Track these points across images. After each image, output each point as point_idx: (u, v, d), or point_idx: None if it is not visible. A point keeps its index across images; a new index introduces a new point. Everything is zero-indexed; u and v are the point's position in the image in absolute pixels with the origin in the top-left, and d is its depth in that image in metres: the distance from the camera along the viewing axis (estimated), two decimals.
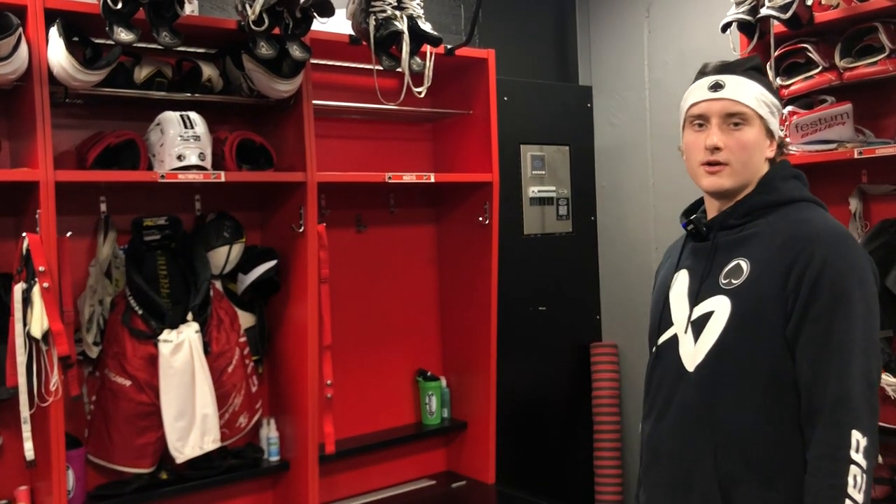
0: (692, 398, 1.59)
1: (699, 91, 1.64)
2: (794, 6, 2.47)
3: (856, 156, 2.53)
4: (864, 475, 1.43)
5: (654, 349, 1.73)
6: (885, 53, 2.46)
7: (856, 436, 1.44)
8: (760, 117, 1.60)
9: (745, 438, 1.53)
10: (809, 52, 2.63)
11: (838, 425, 1.45)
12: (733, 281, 1.57)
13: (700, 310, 1.61)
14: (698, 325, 1.60)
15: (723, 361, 1.56)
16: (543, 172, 3.75)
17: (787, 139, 1.72)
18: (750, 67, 1.64)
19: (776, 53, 2.68)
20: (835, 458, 1.44)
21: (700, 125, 1.64)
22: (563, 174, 3.83)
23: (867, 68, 2.50)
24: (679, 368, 1.62)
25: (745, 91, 1.60)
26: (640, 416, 3.51)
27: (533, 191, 3.72)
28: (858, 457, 1.43)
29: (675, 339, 1.65)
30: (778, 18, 2.51)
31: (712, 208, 1.69)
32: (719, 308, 1.57)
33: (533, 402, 3.72)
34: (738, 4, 2.66)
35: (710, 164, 1.61)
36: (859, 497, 1.43)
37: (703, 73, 1.68)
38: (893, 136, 2.71)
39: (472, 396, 3.21)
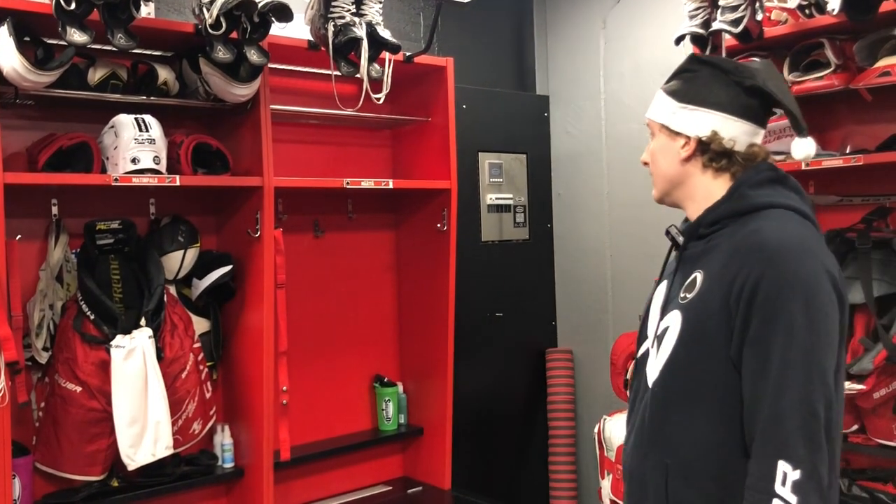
0: (649, 416, 1.53)
1: None
2: (745, 21, 2.53)
3: (803, 167, 2.60)
4: None
5: (635, 363, 1.66)
6: (831, 69, 2.53)
7: (783, 467, 1.31)
8: (660, 125, 1.61)
9: (693, 463, 1.44)
10: None
11: (764, 455, 1.34)
12: (687, 295, 1.50)
13: (663, 324, 1.54)
14: (660, 340, 1.54)
15: (672, 379, 1.49)
16: (501, 180, 3.78)
17: (726, 135, 1.54)
18: (671, 77, 1.64)
19: None
20: (757, 490, 1.34)
21: None
22: (520, 182, 3.87)
23: (814, 83, 2.57)
24: (645, 384, 1.56)
25: (651, 105, 1.64)
26: (593, 421, 3.55)
27: (490, 198, 3.75)
28: (784, 491, 1.30)
29: (647, 353, 1.59)
30: (729, 32, 2.57)
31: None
32: (673, 323, 1.50)
33: (489, 408, 3.74)
34: (691, 18, 2.72)
35: None
36: None
37: None
38: (838, 148, 2.79)
39: (428, 402, 3.22)
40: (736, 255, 1.42)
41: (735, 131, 1.53)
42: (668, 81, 1.62)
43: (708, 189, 1.56)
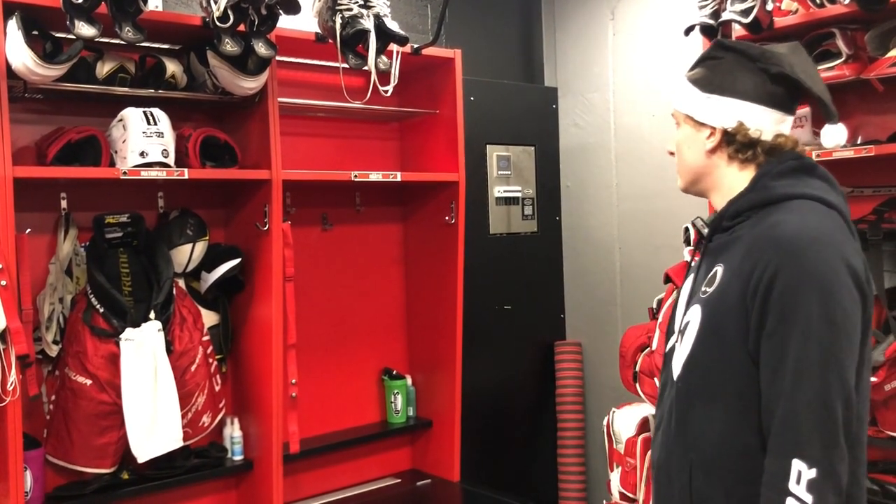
0: (674, 410, 1.52)
1: None
2: (755, 11, 2.51)
3: (813, 158, 2.58)
4: None
5: (664, 356, 1.65)
6: (842, 59, 2.51)
7: (797, 465, 1.29)
8: (685, 115, 1.58)
9: (714, 457, 1.43)
10: None
11: (779, 452, 1.32)
12: (707, 289, 1.49)
13: (686, 318, 1.53)
14: (683, 334, 1.53)
15: (693, 374, 1.48)
16: (509, 172, 3.77)
17: (750, 125, 1.50)
18: (693, 65, 1.60)
19: None
20: (771, 487, 1.32)
21: None
22: (528, 174, 3.86)
23: (825, 73, 2.55)
24: (672, 378, 1.55)
25: (674, 95, 1.61)
26: (602, 413, 3.54)
27: (499, 190, 3.73)
28: (799, 489, 1.28)
29: (674, 346, 1.58)
30: (739, 23, 2.55)
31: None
32: (694, 318, 1.50)
33: (498, 401, 3.74)
34: (700, 8, 2.70)
35: None
36: None
37: None
38: (850, 139, 2.77)
39: (437, 395, 3.22)
40: (754, 249, 1.40)
41: (761, 121, 1.50)
42: (691, 69, 1.58)
43: (733, 180, 1.54)
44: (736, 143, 1.52)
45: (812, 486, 1.28)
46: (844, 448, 1.31)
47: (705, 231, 1.58)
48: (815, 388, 1.30)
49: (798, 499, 1.28)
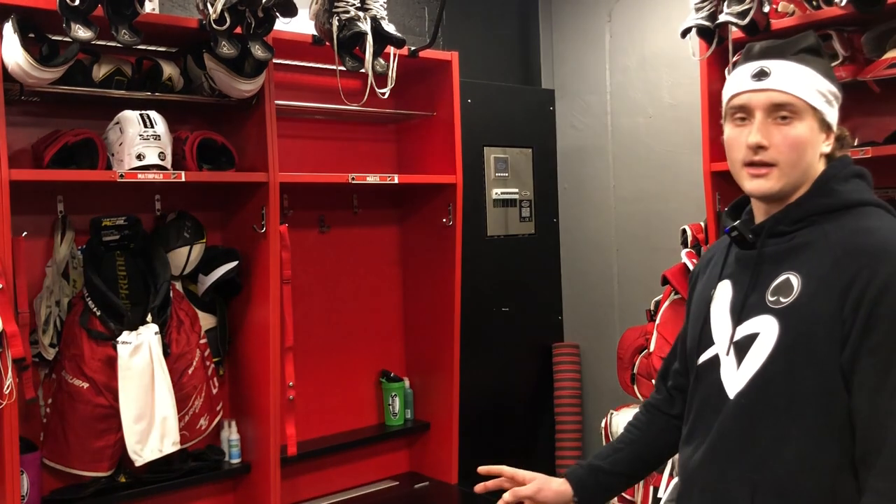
0: (731, 429, 1.39)
1: (741, 79, 1.40)
2: (752, 13, 2.52)
3: None
4: None
5: (694, 369, 1.51)
6: (839, 60, 2.51)
7: None
8: (814, 109, 1.37)
9: (787, 480, 1.32)
10: None
11: (890, 476, 1.23)
12: (782, 299, 1.35)
13: (744, 330, 1.39)
14: (741, 348, 1.39)
15: (767, 390, 1.35)
16: (507, 174, 3.77)
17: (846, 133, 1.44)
18: (803, 49, 1.40)
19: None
20: None
21: (742, 119, 1.40)
22: (525, 176, 3.86)
23: None
24: (720, 394, 1.41)
25: (795, 79, 1.37)
26: (600, 415, 3.54)
27: (496, 192, 3.74)
28: None
29: (716, 359, 1.44)
30: (736, 24, 2.56)
31: (760, 212, 1.45)
32: (765, 330, 1.36)
33: (496, 403, 3.73)
34: (697, 10, 2.71)
35: (753, 164, 1.38)
36: None
37: (747, 56, 1.43)
38: None
39: (435, 397, 3.22)
40: (850, 257, 1.30)
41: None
42: (801, 54, 1.40)
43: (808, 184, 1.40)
44: (836, 145, 1.42)
45: None
46: None
47: (749, 236, 1.43)
48: None
49: None
